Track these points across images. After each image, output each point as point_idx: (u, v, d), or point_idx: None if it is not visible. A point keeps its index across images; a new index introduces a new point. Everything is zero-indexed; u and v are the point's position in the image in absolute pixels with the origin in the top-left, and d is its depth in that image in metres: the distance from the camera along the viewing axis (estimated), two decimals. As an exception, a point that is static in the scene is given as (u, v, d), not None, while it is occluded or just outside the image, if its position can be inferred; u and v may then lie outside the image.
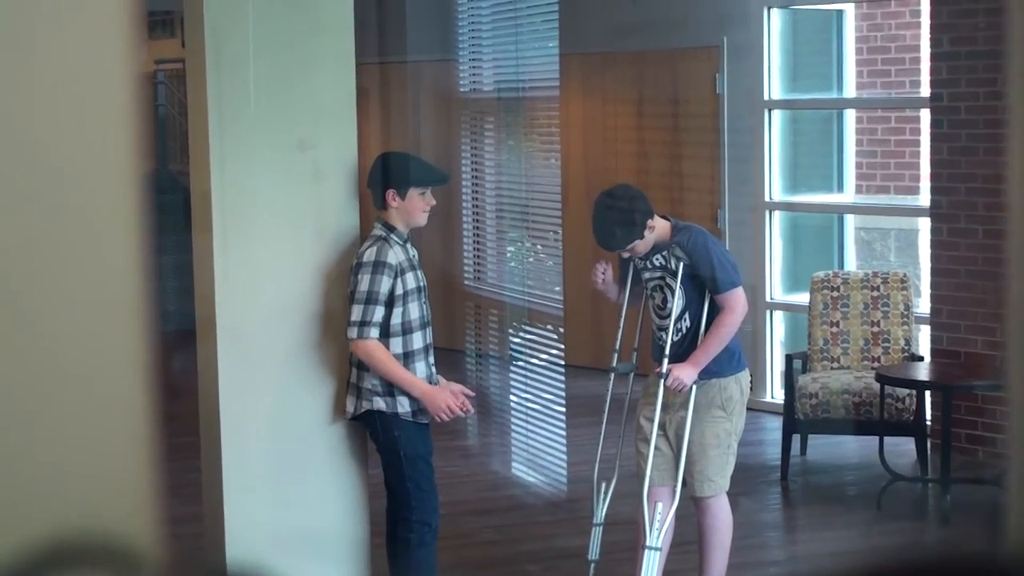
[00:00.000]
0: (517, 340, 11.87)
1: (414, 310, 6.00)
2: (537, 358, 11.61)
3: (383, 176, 6.08)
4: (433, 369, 6.10)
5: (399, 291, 5.95)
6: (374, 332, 5.92)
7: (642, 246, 6.14)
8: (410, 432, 6.02)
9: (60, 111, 1.29)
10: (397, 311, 5.95)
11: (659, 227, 6.15)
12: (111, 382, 1.27)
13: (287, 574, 5.79)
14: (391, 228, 6.02)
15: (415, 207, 6.03)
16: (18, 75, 1.26)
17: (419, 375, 6.01)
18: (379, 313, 5.92)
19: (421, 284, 6.06)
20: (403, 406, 5.99)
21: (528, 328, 11.83)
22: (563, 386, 10.90)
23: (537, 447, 9.95)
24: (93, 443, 1.25)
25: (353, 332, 5.92)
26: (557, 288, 11.77)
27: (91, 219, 1.29)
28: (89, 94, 1.29)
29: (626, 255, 6.24)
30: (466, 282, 12.65)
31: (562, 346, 11.41)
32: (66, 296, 1.27)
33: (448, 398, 6.00)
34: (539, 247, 12.30)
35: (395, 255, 5.96)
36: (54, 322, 1.26)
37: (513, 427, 10.53)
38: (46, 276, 1.26)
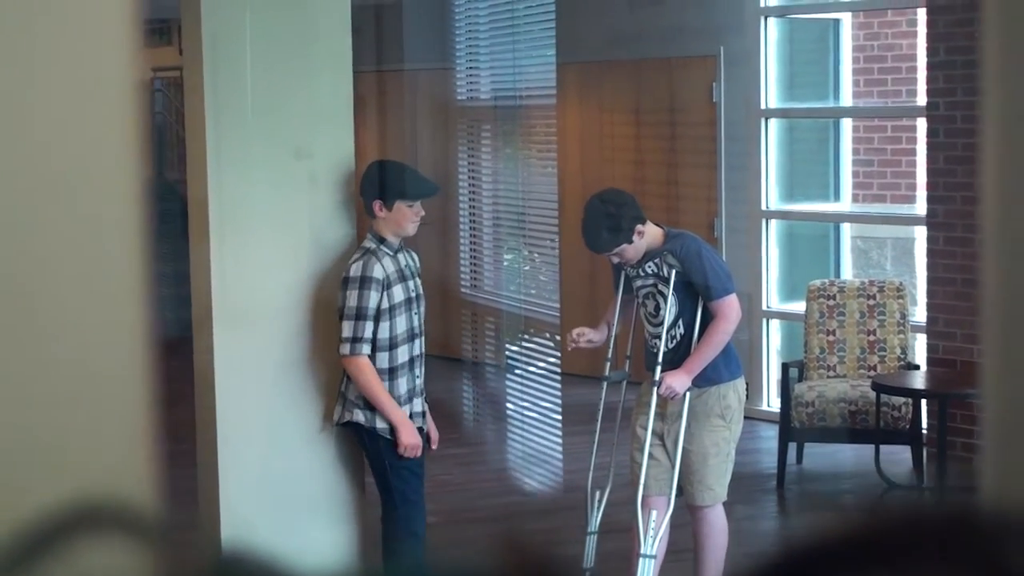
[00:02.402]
0: (514, 348, 11.87)
1: (401, 323, 5.98)
2: (534, 366, 11.61)
3: (371, 186, 6.06)
4: (418, 381, 6.07)
5: (385, 305, 5.93)
6: (366, 348, 5.92)
7: (631, 252, 6.10)
8: (394, 443, 6.01)
9: (62, 117, 1.31)
10: (384, 325, 5.94)
11: (651, 234, 6.12)
12: (113, 373, 1.33)
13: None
14: (381, 239, 6.01)
15: (402, 217, 6.01)
16: (19, 81, 1.28)
17: (402, 390, 6.00)
18: (369, 328, 5.92)
19: (412, 295, 6.04)
20: (382, 421, 5.99)
21: (524, 336, 11.83)
22: (559, 394, 10.90)
23: (533, 455, 9.94)
24: (98, 426, 1.32)
25: (346, 349, 5.92)
26: (554, 296, 11.77)
27: (93, 222, 1.32)
28: (90, 100, 1.31)
29: (615, 260, 6.21)
30: (463, 290, 12.65)
31: (558, 354, 11.41)
32: (69, 295, 1.31)
33: (417, 442, 5.99)
34: (536, 255, 12.31)
35: (381, 269, 5.94)
36: (59, 318, 1.30)
37: (509, 435, 10.52)
38: (49, 277, 1.30)
